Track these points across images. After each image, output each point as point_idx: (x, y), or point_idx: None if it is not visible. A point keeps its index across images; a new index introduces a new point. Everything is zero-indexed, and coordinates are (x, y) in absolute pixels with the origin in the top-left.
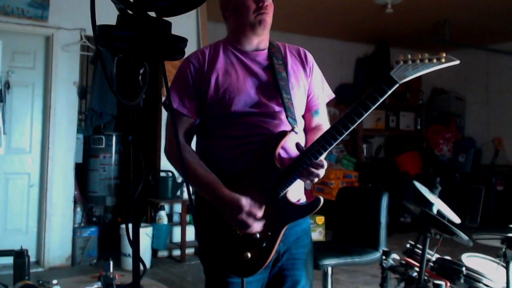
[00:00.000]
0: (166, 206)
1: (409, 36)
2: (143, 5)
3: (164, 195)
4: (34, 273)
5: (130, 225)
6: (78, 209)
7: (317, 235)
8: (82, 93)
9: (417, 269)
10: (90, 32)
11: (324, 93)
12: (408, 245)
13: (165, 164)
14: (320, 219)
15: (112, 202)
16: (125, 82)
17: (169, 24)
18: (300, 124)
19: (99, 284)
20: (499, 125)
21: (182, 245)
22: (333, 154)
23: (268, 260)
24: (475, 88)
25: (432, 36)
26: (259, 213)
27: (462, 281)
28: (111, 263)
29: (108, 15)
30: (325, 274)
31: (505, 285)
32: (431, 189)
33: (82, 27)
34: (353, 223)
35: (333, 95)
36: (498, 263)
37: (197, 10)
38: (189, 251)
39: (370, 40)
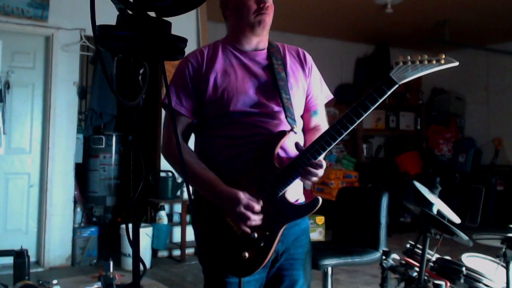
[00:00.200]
0: (166, 206)
1: (409, 36)
2: (143, 5)
3: (164, 195)
4: (34, 273)
5: (130, 225)
6: (78, 209)
7: (317, 235)
8: (82, 93)
9: (417, 269)
10: (90, 32)
11: (322, 94)
12: (408, 245)
13: (165, 164)
14: (320, 219)
15: (112, 202)
16: (125, 82)
17: (169, 24)
18: (299, 124)
19: (99, 284)
20: (499, 125)
21: (182, 245)
22: (333, 154)
23: (266, 260)
24: (475, 88)
25: (432, 36)
26: (257, 206)
27: (462, 281)
28: (111, 263)
29: (108, 15)
30: (325, 274)
31: (505, 285)
32: (431, 189)
33: (82, 27)
34: (353, 223)
35: (331, 96)
36: (498, 263)
37: (197, 10)
38: (189, 251)
39: (370, 40)
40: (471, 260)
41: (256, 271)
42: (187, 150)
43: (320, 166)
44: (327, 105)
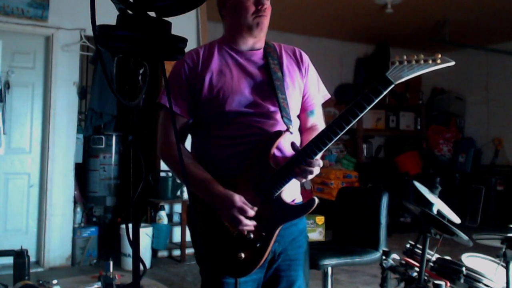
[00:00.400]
0: (166, 206)
1: (409, 36)
2: (143, 5)
3: (164, 195)
4: (34, 273)
5: (130, 225)
6: (78, 209)
7: (317, 235)
8: (82, 93)
9: (417, 269)
10: (90, 32)
11: (319, 94)
12: (408, 245)
13: (165, 164)
14: (320, 219)
15: (112, 202)
16: (125, 82)
17: (169, 24)
18: (295, 124)
19: (99, 284)
20: (499, 125)
21: (182, 245)
22: (333, 154)
23: (262, 261)
24: (475, 88)
25: (432, 36)
26: (251, 211)
27: (462, 281)
28: (111, 263)
29: (108, 15)
30: (325, 274)
31: (505, 285)
32: (431, 189)
33: (82, 27)
34: (353, 223)
35: (328, 96)
36: (498, 263)
37: (197, 10)
38: (189, 251)
39: (370, 40)
40: (471, 260)
41: (252, 271)
42: (182, 150)
43: (317, 165)
44: (327, 105)
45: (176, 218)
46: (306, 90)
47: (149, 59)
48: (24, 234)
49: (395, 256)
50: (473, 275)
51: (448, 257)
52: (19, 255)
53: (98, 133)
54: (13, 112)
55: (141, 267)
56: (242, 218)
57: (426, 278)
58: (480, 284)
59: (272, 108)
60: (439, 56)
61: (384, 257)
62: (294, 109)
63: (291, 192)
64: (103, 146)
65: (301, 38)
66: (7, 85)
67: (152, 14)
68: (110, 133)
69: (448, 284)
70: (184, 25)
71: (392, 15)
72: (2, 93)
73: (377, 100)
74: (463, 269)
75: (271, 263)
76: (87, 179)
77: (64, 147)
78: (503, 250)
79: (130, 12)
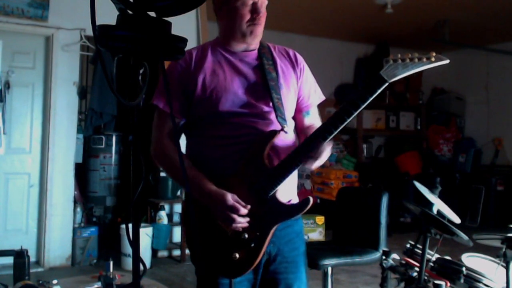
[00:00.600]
0: (166, 206)
1: (409, 36)
2: (143, 5)
3: (164, 195)
4: (34, 273)
5: (130, 225)
6: (78, 209)
7: (317, 235)
8: (82, 93)
9: (417, 269)
10: (90, 32)
11: (315, 94)
12: (408, 245)
13: None
14: (320, 219)
15: (112, 202)
16: (125, 82)
17: (169, 24)
18: (290, 124)
19: (99, 284)
20: (499, 125)
21: (182, 245)
22: (333, 154)
23: (257, 261)
24: (475, 88)
25: (432, 36)
26: (243, 209)
27: (462, 281)
28: (111, 263)
29: (108, 15)
30: (325, 274)
31: (505, 285)
32: (431, 189)
33: (82, 27)
34: (353, 223)
35: (323, 98)
36: (498, 263)
37: (197, 10)
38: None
39: (370, 40)
40: (471, 260)
41: (246, 272)
42: (175, 150)
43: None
44: (327, 105)
45: (176, 218)
46: (301, 91)
47: (149, 59)
48: (24, 234)
49: (395, 256)
50: (473, 275)
51: (448, 257)
52: (19, 255)
53: (98, 133)
54: (13, 112)
55: (141, 267)
56: (234, 216)
57: (426, 278)
58: (480, 284)
59: (266, 108)
60: (434, 54)
61: (384, 257)
62: (288, 109)
63: (287, 193)
64: (103, 146)
65: (301, 38)
66: (7, 85)
67: (152, 14)
68: (110, 133)
69: (448, 284)
70: (184, 25)
71: (392, 15)
72: (2, 93)
73: (371, 99)
74: (463, 269)
75: (267, 265)
76: (87, 179)
77: (64, 147)
78: (503, 250)
79: (130, 12)
